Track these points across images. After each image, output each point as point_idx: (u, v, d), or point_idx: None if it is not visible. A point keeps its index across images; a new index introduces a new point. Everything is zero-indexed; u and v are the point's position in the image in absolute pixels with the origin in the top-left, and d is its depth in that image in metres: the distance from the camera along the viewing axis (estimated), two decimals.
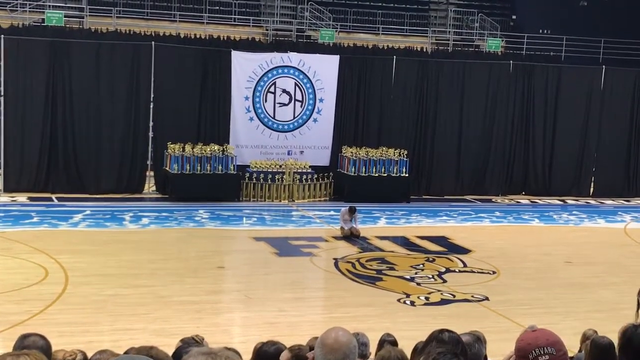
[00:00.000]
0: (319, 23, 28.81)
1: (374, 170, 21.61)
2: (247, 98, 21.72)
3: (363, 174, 21.52)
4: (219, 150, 20.54)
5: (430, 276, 14.35)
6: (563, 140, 24.20)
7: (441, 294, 13.17)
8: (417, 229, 18.78)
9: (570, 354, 4.20)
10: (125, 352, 4.45)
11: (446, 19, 31.60)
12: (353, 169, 21.57)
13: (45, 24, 24.39)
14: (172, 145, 20.28)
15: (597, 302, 13.16)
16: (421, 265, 15.09)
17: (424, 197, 22.92)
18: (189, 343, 5.52)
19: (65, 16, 25.02)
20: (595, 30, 29.36)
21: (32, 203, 19.15)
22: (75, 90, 20.35)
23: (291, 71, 22.08)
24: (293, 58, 22.17)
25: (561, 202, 23.65)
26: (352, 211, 17.39)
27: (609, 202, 24.22)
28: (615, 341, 4.77)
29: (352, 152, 21.75)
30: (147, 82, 20.90)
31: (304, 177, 21.44)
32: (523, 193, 24.27)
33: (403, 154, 21.92)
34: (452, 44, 29.87)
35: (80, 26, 25.67)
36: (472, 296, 13.04)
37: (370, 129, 22.89)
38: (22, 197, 19.63)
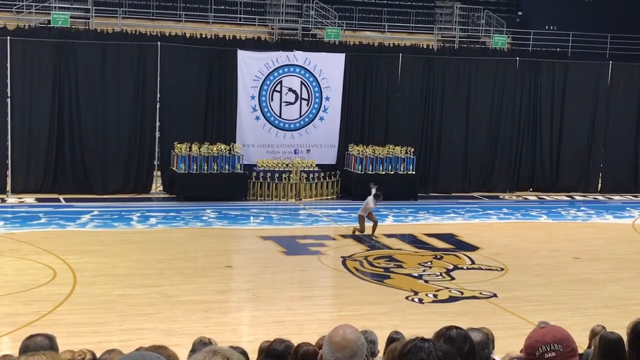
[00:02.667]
0: (324, 21, 28.78)
1: (380, 168, 21.60)
2: (253, 97, 21.73)
3: (370, 172, 21.49)
4: (225, 149, 20.55)
5: (438, 273, 14.34)
6: (570, 136, 24.14)
7: (449, 291, 13.16)
8: (424, 226, 18.76)
9: (579, 350, 4.19)
10: None
11: (452, 16, 31.51)
12: (360, 167, 21.55)
13: (51, 25, 24.40)
14: (178, 145, 20.30)
15: (606, 298, 13.12)
16: (429, 263, 15.08)
17: (431, 194, 22.90)
18: (201, 342, 5.57)
19: (71, 17, 25.00)
20: (602, 25, 29.23)
21: (40, 204, 19.19)
22: (81, 91, 20.40)
23: (297, 70, 22.07)
24: (299, 57, 22.16)
25: (569, 198, 23.59)
26: (377, 197, 17.26)
27: (616, 197, 24.14)
28: (624, 337, 4.76)
29: (358, 150, 21.73)
30: (153, 82, 20.93)
31: (311, 175, 21.43)
32: (530, 189, 24.22)
33: (410, 151, 21.90)
34: (458, 41, 29.78)
35: (86, 27, 25.68)
36: (481, 293, 13.02)
37: (376, 127, 22.87)
38: (29, 199, 19.68)
